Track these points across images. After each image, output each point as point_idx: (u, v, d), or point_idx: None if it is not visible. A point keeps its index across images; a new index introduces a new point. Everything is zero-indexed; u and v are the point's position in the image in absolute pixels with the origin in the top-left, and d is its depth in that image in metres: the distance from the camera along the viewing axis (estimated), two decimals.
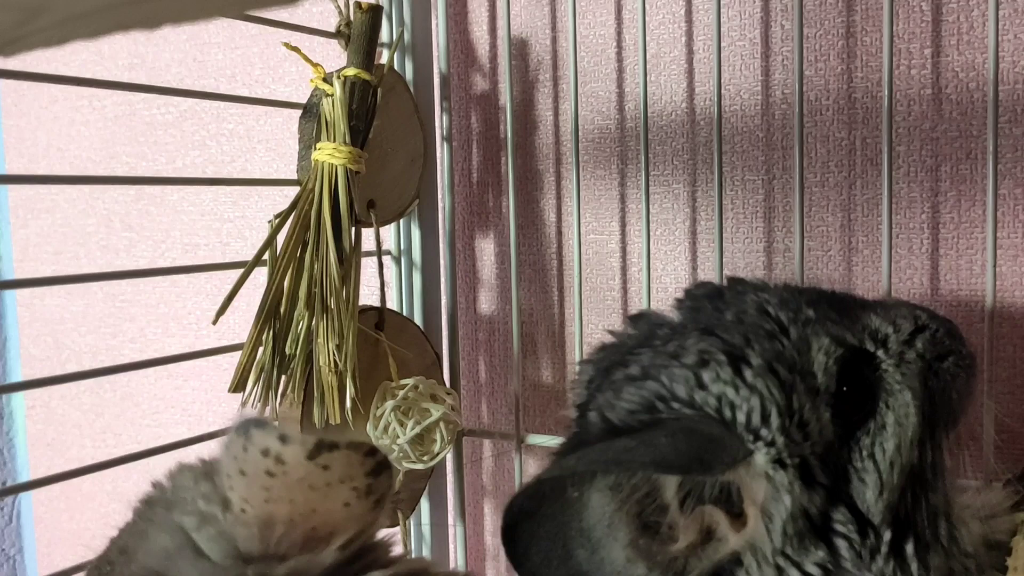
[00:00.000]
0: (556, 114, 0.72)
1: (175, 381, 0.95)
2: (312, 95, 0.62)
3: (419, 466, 0.61)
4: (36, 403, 1.08)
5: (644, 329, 0.43)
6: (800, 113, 0.57)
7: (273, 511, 0.30)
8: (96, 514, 1.02)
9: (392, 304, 0.71)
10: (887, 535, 0.38)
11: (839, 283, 0.62)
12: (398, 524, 0.65)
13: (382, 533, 0.34)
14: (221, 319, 0.55)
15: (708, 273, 0.67)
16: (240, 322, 0.77)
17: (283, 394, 0.57)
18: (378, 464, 0.31)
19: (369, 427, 0.61)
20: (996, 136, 0.52)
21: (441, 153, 0.72)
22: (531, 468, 0.70)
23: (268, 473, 0.30)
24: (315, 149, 0.59)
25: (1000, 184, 0.57)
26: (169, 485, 0.34)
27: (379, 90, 0.61)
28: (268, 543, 0.30)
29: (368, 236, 0.64)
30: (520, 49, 0.73)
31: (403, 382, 0.62)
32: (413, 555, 0.71)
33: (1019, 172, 0.57)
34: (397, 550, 0.35)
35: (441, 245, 0.73)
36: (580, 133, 0.70)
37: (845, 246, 0.62)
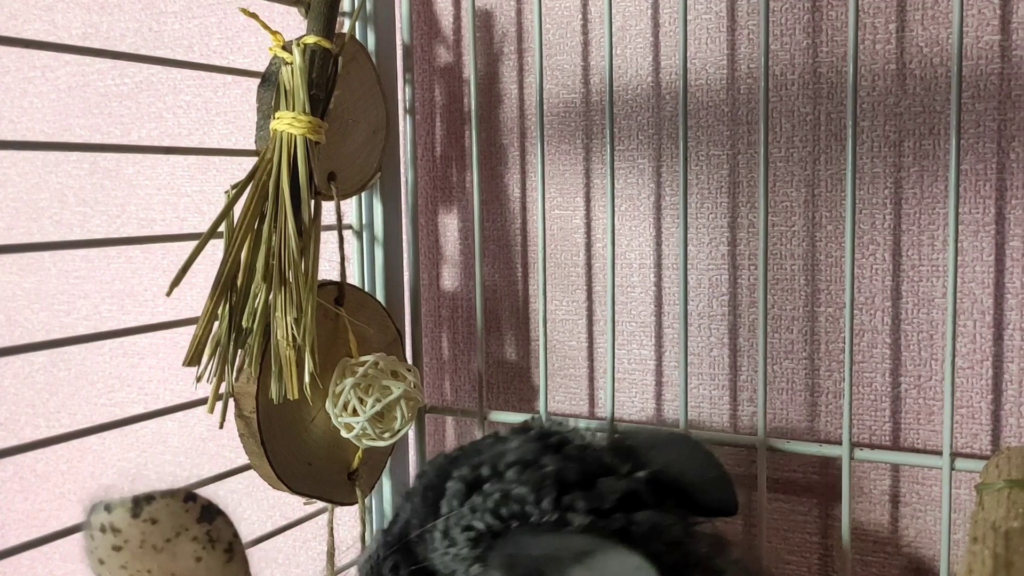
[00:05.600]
0: (521, 87, 0.71)
1: (131, 359, 0.93)
2: (271, 63, 0.60)
3: (380, 444, 0.61)
4: None
5: None
6: (766, 87, 0.57)
7: None
8: (51, 494, 1.00)
9: (353, 279, 0.70)
10: None
11: (803, 258, 0.62)
12: (357, 502, 0.64)
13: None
14: (179, 295, 0.53)
15: (673, 248, 0.66)
16: (198, 298, 0.75)
17: (239, 369, 0.56)
18: (204, 509, 0.33)
19: (328, 404, 0.60)
20: (959, 111, 0.52)
21: (404, 125, 0.71)
22: None
23: (115, 548, 0.31)
24: (274, 118, 0.57)
25: (962, 159, 0.57)
26: None
27: (340, 59, 0.60)
28: None
29: (329, 209, 0.63)
30: (485, 21, 0.71)
31: (363, 359, 0.61)
32: (372, 533, 0.70)
33: (981, 148, 0.57)
34: None
35: (404, 219, 0.72)
36: (545, 107, 0.69)
37: (809, 221, 0.62)
